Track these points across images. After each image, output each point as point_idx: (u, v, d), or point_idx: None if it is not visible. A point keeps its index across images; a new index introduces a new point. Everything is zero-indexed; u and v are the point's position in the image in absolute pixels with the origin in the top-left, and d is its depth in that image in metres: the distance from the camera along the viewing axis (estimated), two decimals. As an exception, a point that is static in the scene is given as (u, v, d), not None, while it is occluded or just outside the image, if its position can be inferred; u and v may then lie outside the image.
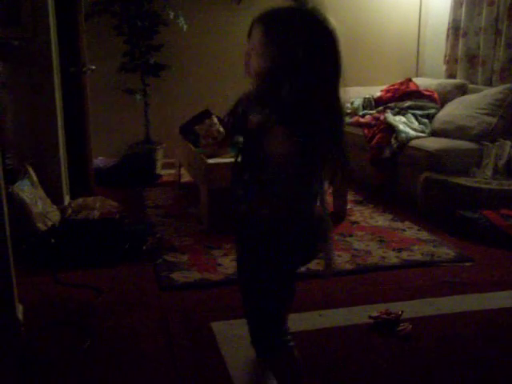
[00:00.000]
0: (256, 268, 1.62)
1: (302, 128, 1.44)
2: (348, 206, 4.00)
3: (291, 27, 1.44)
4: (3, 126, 3.39)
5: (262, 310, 1.66)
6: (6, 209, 2.25)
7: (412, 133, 4.27)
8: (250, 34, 1.53)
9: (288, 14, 1.48)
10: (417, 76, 5.57)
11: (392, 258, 3.18)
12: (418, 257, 3.20)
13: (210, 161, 3.64)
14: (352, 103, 5.02)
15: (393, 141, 4.25)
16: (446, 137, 4.25)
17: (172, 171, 4.99)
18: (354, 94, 5.07)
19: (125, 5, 4.72)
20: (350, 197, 4.19)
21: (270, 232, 1.56)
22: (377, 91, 5.09)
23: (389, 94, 4.94)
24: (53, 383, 2.06)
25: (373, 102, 4.99)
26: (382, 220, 3.86)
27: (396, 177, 4.26)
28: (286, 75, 1.43)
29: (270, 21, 1.49)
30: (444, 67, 5.24)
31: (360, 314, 2.50)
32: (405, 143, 4.17)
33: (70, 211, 3.37)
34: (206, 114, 4.31)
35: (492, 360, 2.18)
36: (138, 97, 4.96)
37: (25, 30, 3.32)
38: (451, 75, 5.15)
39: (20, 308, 2.39)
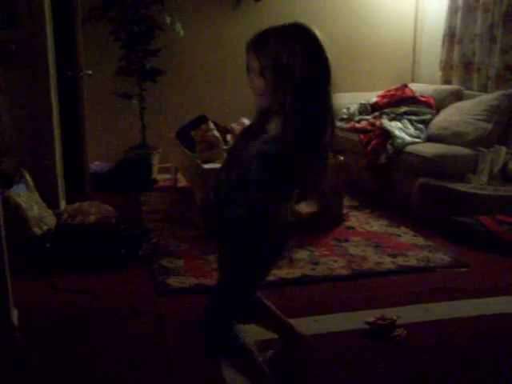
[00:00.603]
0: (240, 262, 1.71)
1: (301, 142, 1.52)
2: (344, 211, 4.00)
3: (279, 43, 1.53)
4: (3, 129, 3.38)
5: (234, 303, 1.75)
6: (1, 213, 2.25)
7: (408, 138, 4.28)
8: (247, 67, 1.61)
9: (275, 32, 1.57)
10: (413, 82, 5.59)
11: (387, 263, 3.19)
12: (413, 262, 3.20)
13: (206, 166, 3.65)
14: (348, 109, 5.03)
15: (389, 146, 4.26)
16: (441, 142, 4.27)
17: (168, 176, 4.99)
18: (350, 100, 5.08)
19: (121, 10, 4.72)
20: (346, 202, 4.20)
21: (256, 235, 1.64)
22: (373, 97, 5.10)
23: (385, 100, 4.96)
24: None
25: (369, 108, 5.00)
26: (377, 225, 3.86)
27: (392, 182, 4.27)
28: (285, 89, 1.51)
29: (259, 42, 1.58)
30: (440, 73, 5.26)
31: (355, 320, 2.50)
32: (401, 149, 4.19)
33: (65, 216, 3.37)
34: (202, 119, 4.32)
35: (487, 365, 2.19)
36: (135, 101, 4.97)
37: (22, 33, 3.32)
38: (447, 81, 5.18)
39: (15, 312, 2.38)
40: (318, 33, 1.56)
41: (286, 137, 1.51)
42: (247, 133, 1.68)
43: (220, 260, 1.83)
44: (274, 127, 1.58)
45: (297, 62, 1.50)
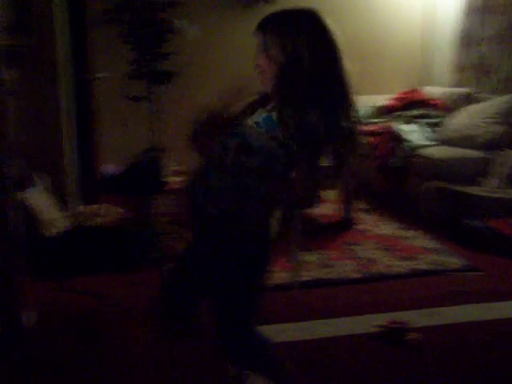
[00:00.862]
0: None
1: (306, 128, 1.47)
2: (354, 215, 3.99)
3: (287, 23, 1.51)
4: (12, 133, 3.40)
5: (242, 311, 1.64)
6: (14, 216, 2.27)
7: (418, 141, 4.27)
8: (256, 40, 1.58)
9: (283, 13, 1.55)
10: (424, 85, 5.56)
11: (398, 266, 3.18)
12: (424, 266, 3.19)
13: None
14: (358, 112, 5.01)
15: (399, 149, 4.25)
16: (452, 146, 4.25)
17: (179, 179, 4.99)
18: (360, 103, 5.04)
19: (133, 13, 4.74)
20: (357, 205, 4.19)
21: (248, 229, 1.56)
22: (384, 100, 5.09)
23: (396, 103, 4.95)
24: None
25: (380, 111, 4.99)
26: (388, 228, 3.85)
27: (402, 185, 4.25)
28: (294, 71, 1.48)
29: (268, 21, 1.56)
30: (451, 76, 5.24)
31: (366, 323, 2.50)
32: (411, 152, 4.18)
33: (77, 218, 3.39)
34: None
35: (500, 369, 2.17)
36: (146, 104, 4.98)
37: (33, 37, 3.35)
38: (458, 84, 5.15)
39: (28, 314, 2.40)
40: (326, 19, 1.54)
41: (288, 124, 1.46)
42: (241, 120, 1.62)
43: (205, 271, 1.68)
44: (273, 114, 1.52)
45: (303, 43, 1.47)
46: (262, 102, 1.62)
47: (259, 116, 1.57)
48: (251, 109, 1.63)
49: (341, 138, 1.60)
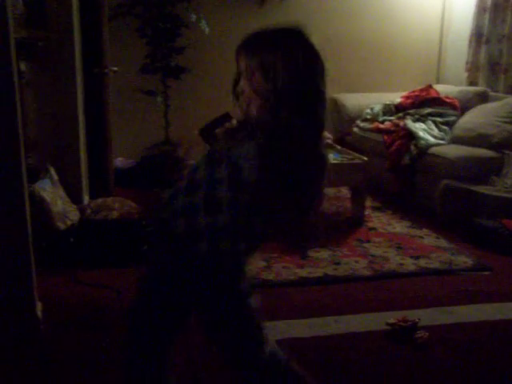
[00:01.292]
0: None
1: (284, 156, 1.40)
2: (366, 212, 3.98)
3: (273, 49, 1.43)
4: (26, 125, 3.43)
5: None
6: (27, 207, 2.29)
7: (432, 140, 4.25)
8: (237, 63, 1.53)
9: (266, 35, 1.48)
10: (438, 83, 5.54)
11: (409, 265, 3.17)
12: (435, 264, 3.18)
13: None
14: (372, 109, 5.00)
15: (412, 147, 4.24)
16: (466, 144, 4.22)
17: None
18: (374, 100, 5.06)
19: (147, 7, 4.75)
20: (368, 203, 4.18)
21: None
22: (397, 97, 5.06)
23: (409, 101, 4.92)
24: (69, 379, 2.08)
25: (393, 108, 4.96)
26: (399, 227, 3.84)
27: (415, 184, 4.24)
28: (277, 97, 1.41)
29: (249, 43, 1.50)
30: (465, 74, 5.21)
31: (376, 321, 2.50)
32: (424, 150, 4.16)
33: (89, 211, 3.40)
34: (227, 118, 4.33)
35: (509, 369, 2.17)
36: (159, 99, 4.99)
37: (49, 31, 3.36)
38: (472, 82, 5.12)
39: (39, 306, 2.42)
40: (310, 40, 1.43)
41: (265, 157, 1.38)
42: (215, 151, 1.57)
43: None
44: (249, 146, 1.45)
45: (281, 68, 1.37)
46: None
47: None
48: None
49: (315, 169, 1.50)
